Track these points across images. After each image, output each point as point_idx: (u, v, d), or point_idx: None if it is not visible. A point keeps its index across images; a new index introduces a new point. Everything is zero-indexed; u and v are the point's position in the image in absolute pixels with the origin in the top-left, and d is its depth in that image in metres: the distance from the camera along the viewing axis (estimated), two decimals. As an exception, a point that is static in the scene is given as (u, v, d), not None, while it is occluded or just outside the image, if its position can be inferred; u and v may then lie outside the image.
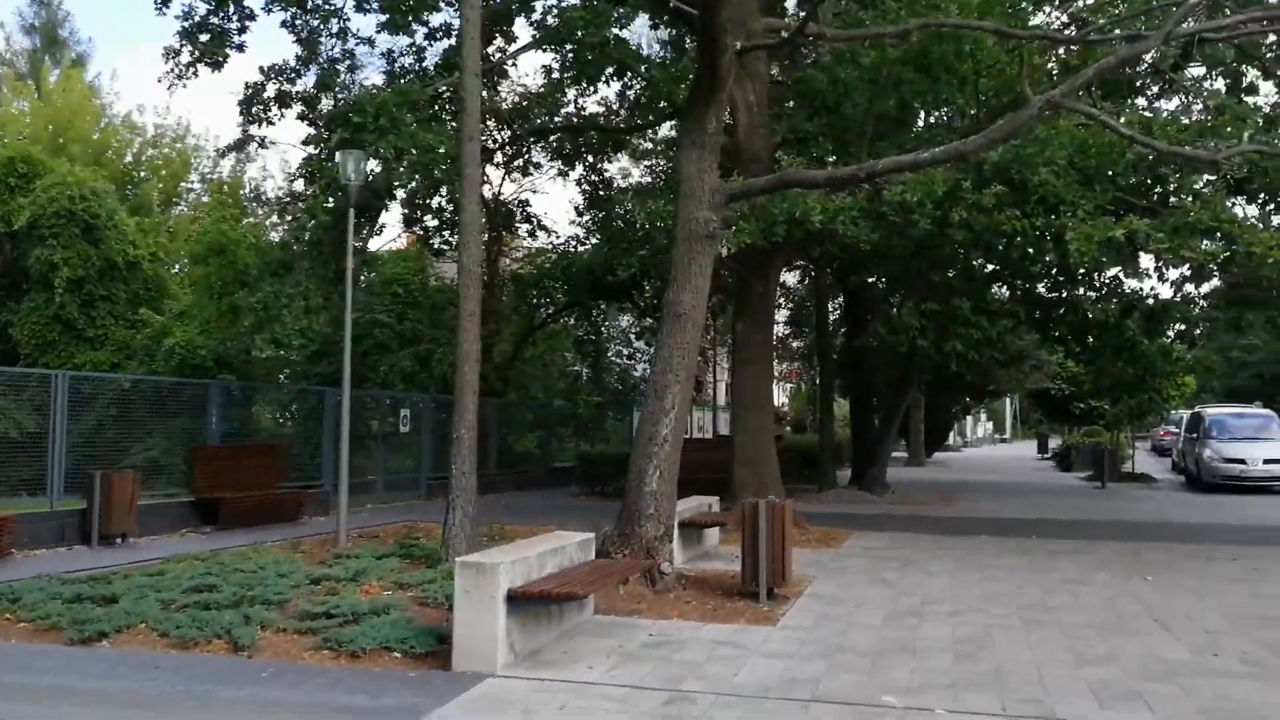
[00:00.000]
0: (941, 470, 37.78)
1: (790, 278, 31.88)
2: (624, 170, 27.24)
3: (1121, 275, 19.51)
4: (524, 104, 20.95)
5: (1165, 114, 16.44)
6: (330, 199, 15.59)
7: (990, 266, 18.48)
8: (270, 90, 16.55)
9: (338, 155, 14.08)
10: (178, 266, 31.39)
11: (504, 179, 27.18)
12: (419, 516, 18.45)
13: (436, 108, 16.58)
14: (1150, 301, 19.47)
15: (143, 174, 35.17)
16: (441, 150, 14.43)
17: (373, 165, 15.18)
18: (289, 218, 16.37)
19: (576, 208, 27.62)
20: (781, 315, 34.14)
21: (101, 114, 35.79)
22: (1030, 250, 14.60)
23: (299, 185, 16.13)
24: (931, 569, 12.73)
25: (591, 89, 21.20)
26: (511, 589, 7.58)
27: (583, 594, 7.52)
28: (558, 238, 28.91)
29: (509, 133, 21.85)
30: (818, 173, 12.26)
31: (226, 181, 35.30)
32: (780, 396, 59.53)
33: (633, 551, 10.72)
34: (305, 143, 15.79)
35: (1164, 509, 21.69)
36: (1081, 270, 16.39)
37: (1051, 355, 33.25)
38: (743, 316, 16.51)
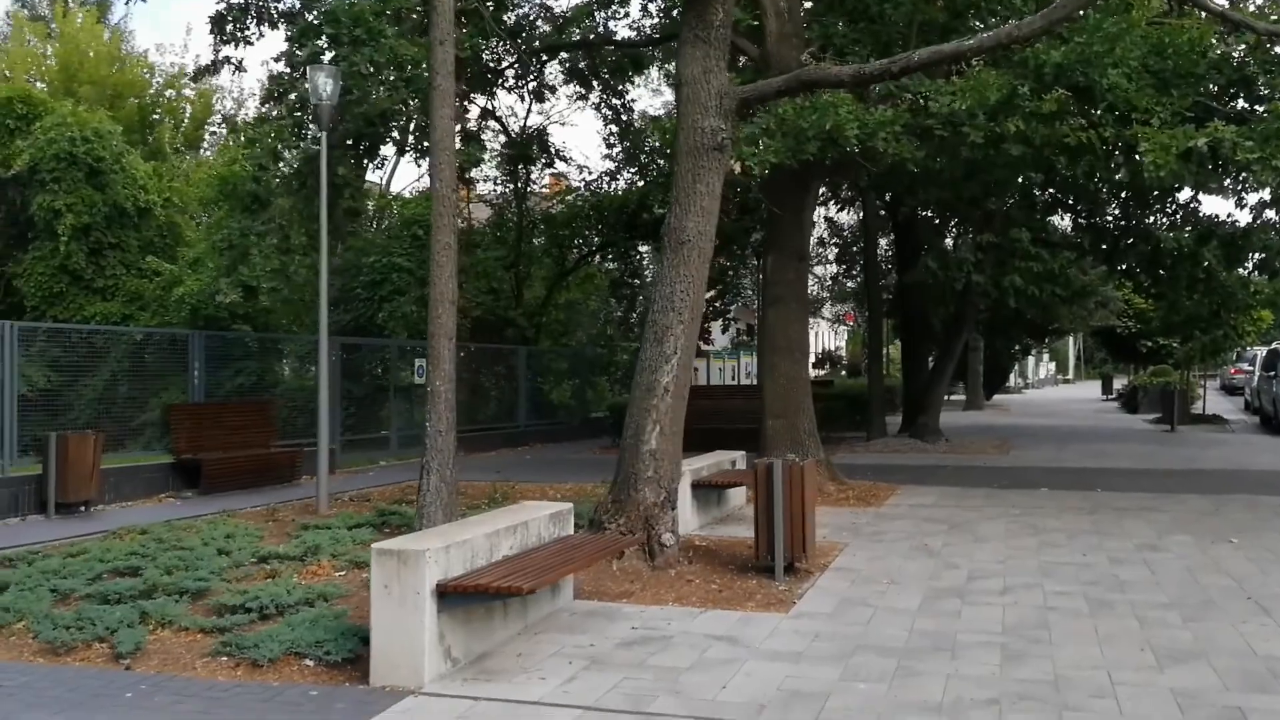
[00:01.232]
0: (1000, 414, 35.86)
1: (840, 214, 30.01)
2: (655, 90, 25.27)
3: (1199, 197, 17.57)
4: (531, 18, 19.16)
5: (1254, 8, 14.37)
6: (302, 124, 14.07)
7: (1051, 191, 16.55)
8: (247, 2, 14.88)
9: (308, 72, 12.54)
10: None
11: (528, 111, 25.54)
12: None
13: (425, 20, 14.88)
14: (1229, 228, 17.45)
15: (157, 116, 33.80)
16: (425, 67, 12.81)
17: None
18: (255, 145, 14.89)
19: (606, 139, 25.92)
20: (831, 254, 32.24)
21: (117, 54, 34.42)
22: (1097, 167, 12.73)
23: (275, 111, 14.57)
24: (981, 532, 11.09)
25: (621, 7, 19.36)
26: (442, 582, 6.09)
27: (528, 589, 6.01)
28: (589, 173, 27.27)
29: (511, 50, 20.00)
30: (842, 69, 10.49)
31: (249, 120, 33.93)
32: (835, 341, 57.61)
33: (628, 521, 9.20)
34: (276, 59, 14.22)
35: (1241, 454, 19.77)
36: (1155, 190, 14.45)
37: (1118, 290, 31.15)
38: (772, 249, 14.80)
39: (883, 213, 25.08)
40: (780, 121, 12.21)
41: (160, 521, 11.48)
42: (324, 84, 12.47)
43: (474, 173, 28.27)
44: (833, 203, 24.08)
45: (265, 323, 24.23)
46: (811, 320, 55.87)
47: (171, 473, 14.89)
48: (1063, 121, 12.00)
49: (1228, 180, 11.49)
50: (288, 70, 14.18)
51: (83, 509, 12.88)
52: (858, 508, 13.07)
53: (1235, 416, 31.04)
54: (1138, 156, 11.54)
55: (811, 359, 56.68)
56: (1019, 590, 8.35)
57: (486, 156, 19.14)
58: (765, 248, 15.32)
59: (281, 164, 14.82)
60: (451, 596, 6.13)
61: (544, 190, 28.22)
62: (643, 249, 28.04)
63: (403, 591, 6.03)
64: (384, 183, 30.37)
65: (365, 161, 15.64)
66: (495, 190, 28.17)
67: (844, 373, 47.84)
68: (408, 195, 29.44)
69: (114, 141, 25.75)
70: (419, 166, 21.83)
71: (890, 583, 8.69)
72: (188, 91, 34.87)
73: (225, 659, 6.51)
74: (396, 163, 26.07)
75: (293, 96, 13.73)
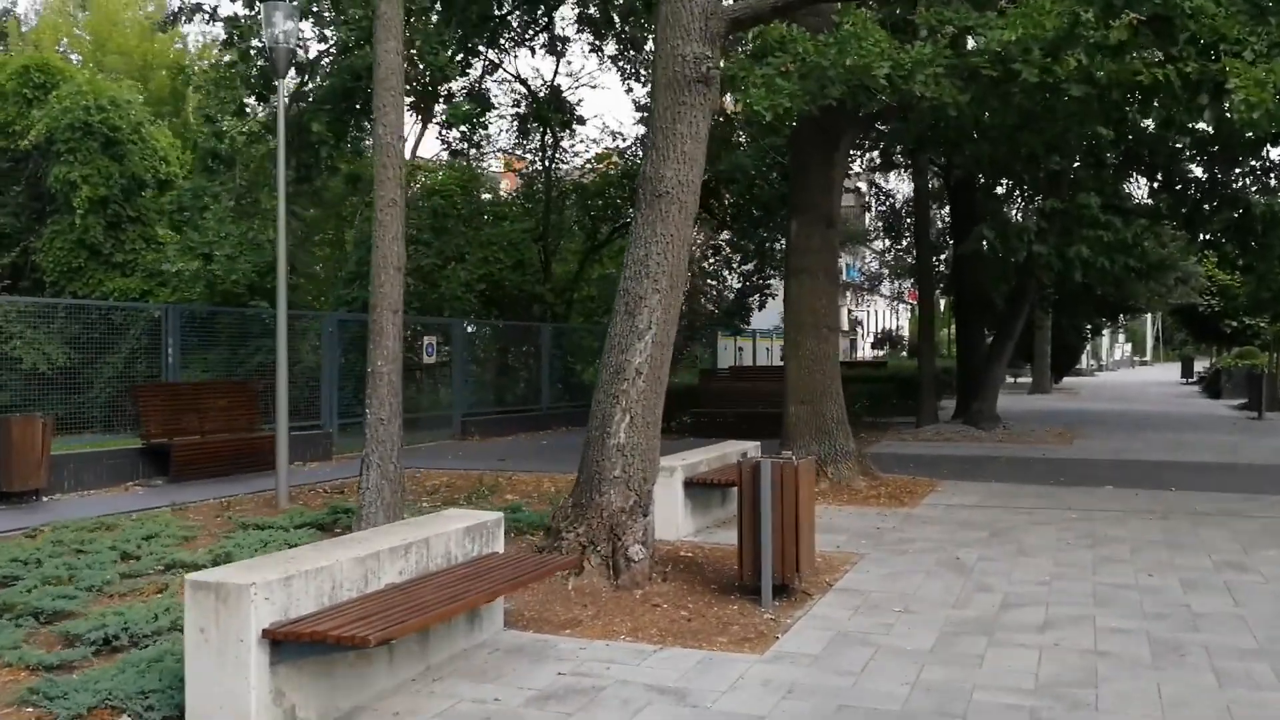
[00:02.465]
0: (1068, 398, 33.68)
1: (890, 179, 28.00)
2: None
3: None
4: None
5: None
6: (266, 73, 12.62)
7: (1122, 147, 14.58)
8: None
9: (263, 9, 11.09)
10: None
11: (555, 73, 23.94)
12: (428, 462, 15.69)
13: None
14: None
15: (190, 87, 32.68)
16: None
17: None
18: (211, 95, 13.46)
19: (636, 102, 24.26)
20: (876, 224, 30.12)
21: (148, 24, 33.36)
22: (1175, 112, 10.82)
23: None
24: (1027, 543, 9.35)
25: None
26: (273, 626, 4.58)
27: (375, 639, 4.46)
28: (621, 139, 25.64)
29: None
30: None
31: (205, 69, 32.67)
32: (896, 321, 55.45)
33: (589, 530, 7.64)
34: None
35: (1341, 447, 17.67)
36: (1247, 140, 12.43)
37: (1200, 265, 28.90)
38: (797, 213, 13.08)
39: (937, 178, 23.14)
40: (798, 60, 10.49)
41: (94, 517, 10.20)
42: (280, 22, 11.02)
43: (502, 139, 26.86)
44: (881, 166, 22.15)
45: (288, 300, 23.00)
46: (868, 298, 54.07)
47: (141, 459, 13.64)
48: (1135, 55, 10.12)
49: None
50: (247, 11, 12.74)
51: (33, 498, 11.69)
52: (888, 507, 11.38)
53: (1330, 402, 28.61)
54: (1226, 98, 9.64)
55: (870, 339, 54.83)
56: (1064, 625, 6.64)
57: (490, 116, 17.48)
58: (790, 212, 13.60)
59: (247, 120, 13.42)
60: (290, 644, 4.62)
61: (577, 158, 26.62)
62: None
63: (222, 638, 4.55)
64: (411, 151, 29.01)
65: (349, 120, 14.19)
66: (528, 159, 26.72)
67: (904, 354, 45.73)
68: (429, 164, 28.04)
69: (132, 111, 24.56)
70: (436, 133, 20.15)
71: (903, 610, 7.02)
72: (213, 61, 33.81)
73: (30, 710, 5.09)
74: (421, 132, 24.60)
75: (256, 42, 12.27)
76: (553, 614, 6.88)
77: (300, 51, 12.68)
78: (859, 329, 55.37)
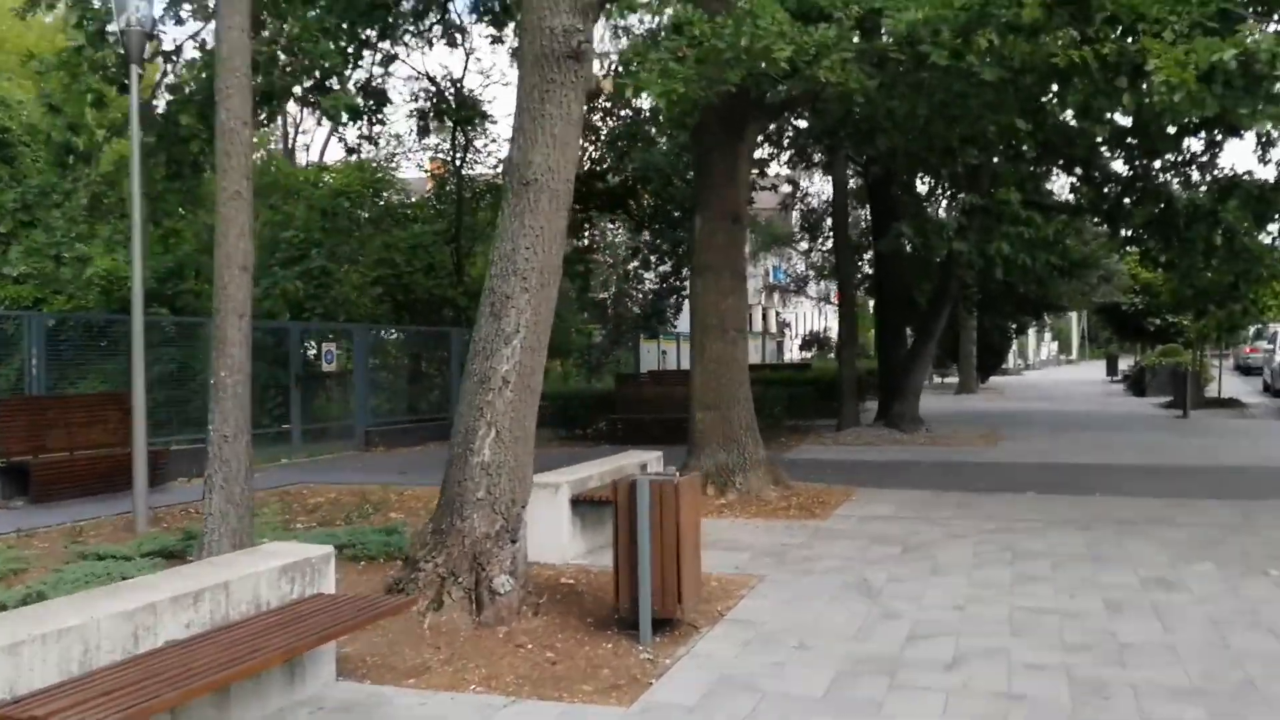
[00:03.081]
0: (994, 398, 33.36)
1: (809, 176, 27.35)
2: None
3: (1217, 145, 14.94)
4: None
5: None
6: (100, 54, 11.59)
7: (1040, 138, 13.96)
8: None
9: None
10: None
11: (464, 70, 23.05)
12: (321, 476, 14.73)
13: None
14: (1255, 183, 14.87)
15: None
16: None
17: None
18: (55, 80, 12.43)
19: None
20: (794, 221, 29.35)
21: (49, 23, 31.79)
22: (1094, 99, 10.20)
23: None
24: (943, 558, 8.64)
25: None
26: (-13, 708, 3.67)
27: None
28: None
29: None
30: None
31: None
32: (824, 322, 55.05)
33: (448, 560, 6.77)
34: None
35: (1267, 446, 17.27)
36: (1167, 126, 11.87)
37: (1122, 263, 28.69)
38: (702, 208, 12.32)
39: (858, 175, 22.56)
40: (694, 43, 9.74)
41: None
42: (131, 4, 10.01)
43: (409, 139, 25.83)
44: (793, 161, 21.45)
45: (188, 306, 21.86)
46: (795, 299, 53.57)
47: (4, 479, 12.56)
48: (1050, 36, 9.49)
49: (1264, 106, 8.97)
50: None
51: None
52: (798, 519, 10.63)
53: (1254, 399, 28.51)
54: (1145, 80, 9.04)
55: (798, 341, 54.35)
56: (975, 660, 5.91)
57: (399, 116, 16.51)
58: (695, 207, 12.84)
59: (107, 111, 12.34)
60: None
61: (491, 157, 25.68)
62: (598, 220, 25.61)
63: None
64: (319, 153, 27.92)
65: (264, 114, 13.19)
66: (440, 160, 25.77)
67: (832, 355, 45.29)
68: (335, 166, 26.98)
69: (23, 113, 23.22)
70: (327, 126, 19.00)
71: (799, 646, 6.25)
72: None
73: None
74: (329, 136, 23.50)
75: (112, 27, 11.23)
76: (399, 659, 6.01)
77: (162, 37, 11.70)
78: (787, 331, 54.97)
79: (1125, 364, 44.19)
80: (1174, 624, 6.58)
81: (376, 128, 18.19)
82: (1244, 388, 33.92)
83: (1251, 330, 34.43)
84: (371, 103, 15.32)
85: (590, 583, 7.83)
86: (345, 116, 12.61)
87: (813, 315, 57.65)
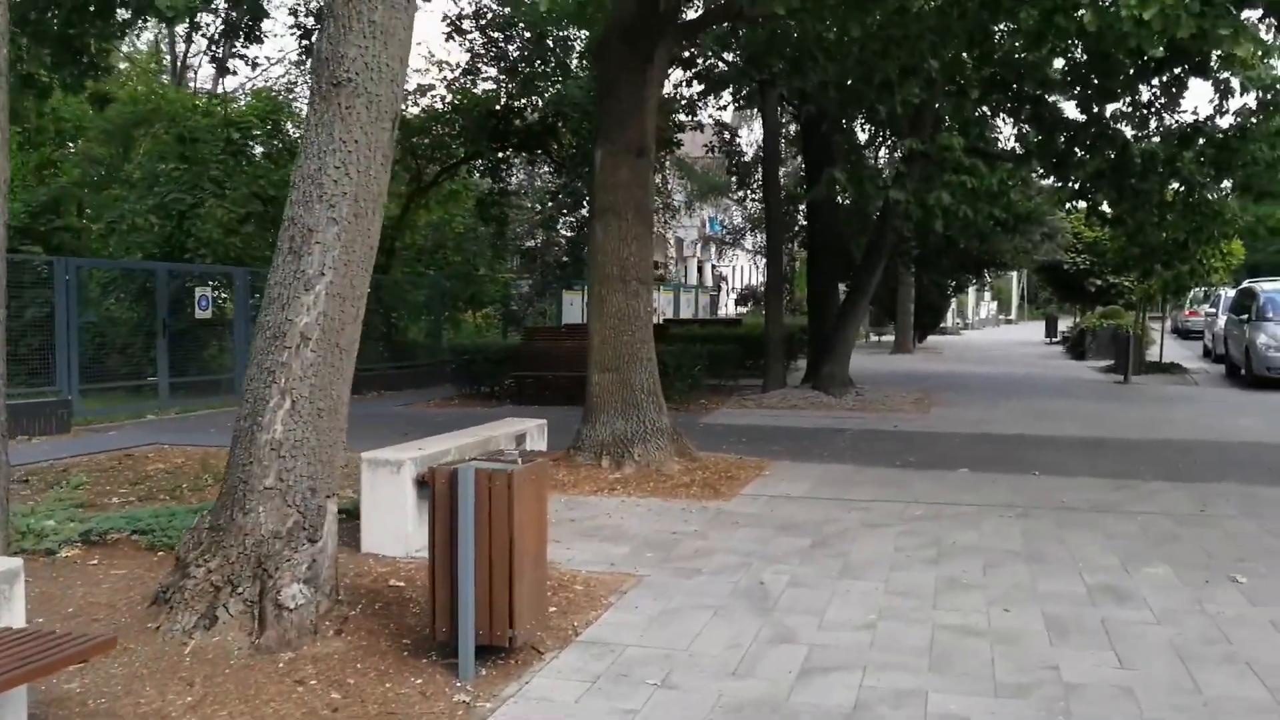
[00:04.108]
0: (930, 359, 32.27)
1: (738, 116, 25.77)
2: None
3: (1175, 90, 13.67)
4: None
5: None
6: None
7: (985, 70, 12.61)
8: None
9: None
10: None
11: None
12: (180, 436, 13.16)
13: None
14: (1221, 130, 13.62)
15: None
16: None
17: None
18: None
19: (462, 30, 21.62)
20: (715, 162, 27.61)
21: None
22: (1051, 16, 8.81)
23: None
24: (856, 556, 7.31)
25: None
26: None
27: None
28: (449, 69, 23.01)
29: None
30: None
31: None
32: (760, 277, 53.72)
33: (224, 565, 5.31)
34: None
35: (1215, 416, 16.18)
36: (1132, 58, 10.49)
37: (1068, 216, 27.59)
38: (603, 140, 10.81)
39: (794, 119, 21.10)
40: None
41: None
42: None
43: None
44: (706, 88, 19.90)
45: (63, 245, 20.02)
46: (732, 252, 52.09)
47: None
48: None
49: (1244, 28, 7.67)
50: None
51: None
52: (699, 499, 9.27)
53: (1195, 364, 27.60)
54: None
55: (732, 295, 53.01)
56: (882, 707, 4.58)
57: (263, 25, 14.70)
58: (595, 139, 11.33)
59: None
60: None
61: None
62: (515, 161, 23.97)
63: None
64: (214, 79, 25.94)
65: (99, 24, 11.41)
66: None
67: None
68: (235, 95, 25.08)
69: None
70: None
71: (662, 683, 4.88)
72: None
73: None
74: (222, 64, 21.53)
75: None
76: (133, 700, 4.56)
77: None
78: (723, 285, 53.64)
79: (1065, 325, 43.36)
80: (1130, 654, 5.29)
81: (253, 48, 16.35)
82: (1183, 352, 33.10)
83: (1201, 292, 33.53)
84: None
85: (426, 585, 6.40)
86: (170, 13, 10.87)
87: (749, 269, 56.32)
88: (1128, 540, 7.76)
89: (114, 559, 6.84)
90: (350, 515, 7.40)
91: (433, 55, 20.93)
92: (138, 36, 29.25)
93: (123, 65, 27.43)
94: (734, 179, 25.25)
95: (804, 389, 18.51)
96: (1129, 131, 14.83)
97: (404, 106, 23.77)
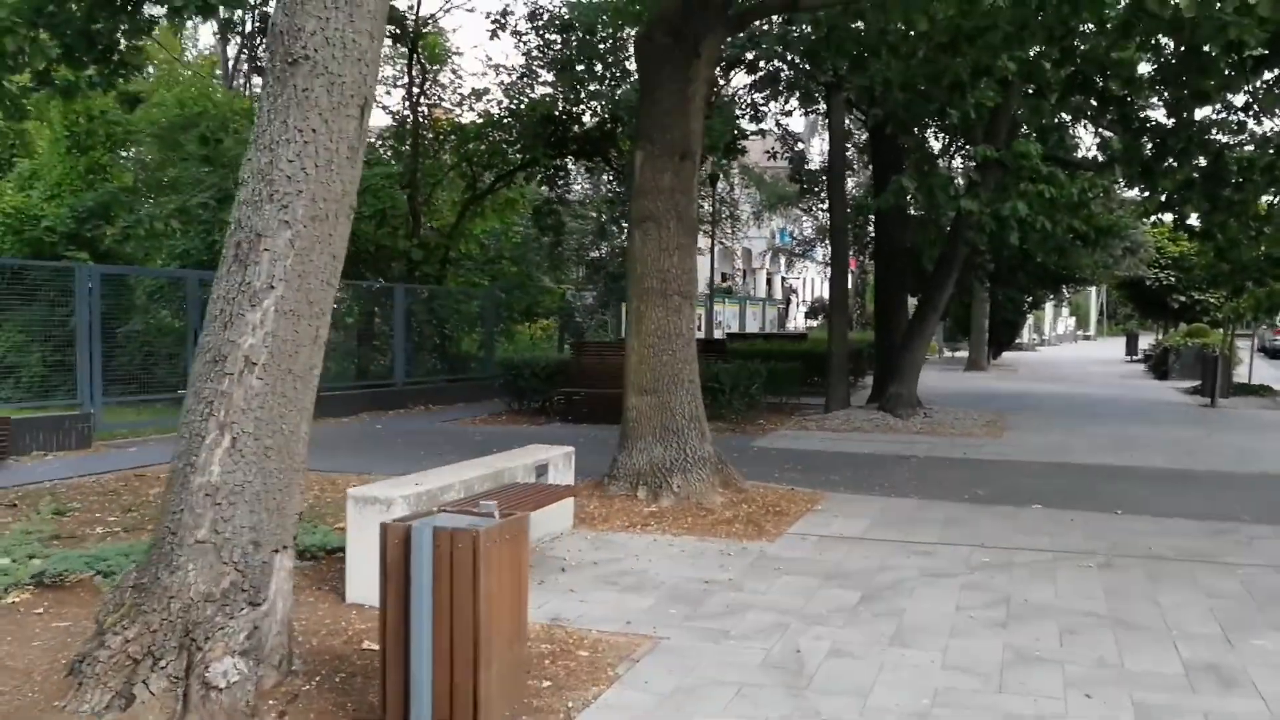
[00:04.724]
0: (1005, 377, 30.94)
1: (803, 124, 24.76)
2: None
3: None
4: None
5: None
6: None
7: (1066, 68, 11.51)
8: None
9: None
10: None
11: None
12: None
13: None
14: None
15: None
16: None
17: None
18: None
19: (507, 27, 20.91)
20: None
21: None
22: (1138, 6, 7.79)
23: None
24: (912, 617, 6.34)
25: None
26: None
27: None
28: (506, 74, 22.35)
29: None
30: None
31: None
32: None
33: (147, 632, 4.50)
34: None
35: (1316, 445, 14.88)
36: (1233, 52, 9.34)
37: (1152, 230, 26.17)
38: (644, 141, 9.95)
39: (859, 123, 20.08)
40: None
41: None
42: None
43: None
44: (766, 88, 18.91)
45: (112, 252, 19.65)
46: (800, 264, 50.89)
47: None
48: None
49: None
50: None
51: None
52: (740, 539, 8.34)
53: (1284, 386, 26.02)
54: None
55: (803, 308, 51.75)
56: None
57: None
58: (635, 142, 10.46)
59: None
60: None
61: (457, 94, 23.25)
62: (572, 167, 23.20)
63: None
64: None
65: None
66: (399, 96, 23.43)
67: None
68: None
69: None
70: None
71: (659, 795, 3.98)
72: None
73: None
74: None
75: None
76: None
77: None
78: (793, 297, 52.49)
79: (1146, 343, 41.60)
80: (1246, 767, 4.28)
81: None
82: (1272, 373, 31.38)
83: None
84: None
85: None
86: (193, 9, 10.20)
87: (820, 281, 55.11)
88: (1229, 601, 6.69)
89: (65, 606, 6.09)
90: (333, 557, 6.62)
91: (490, 59, 20.36)
92: (196, 39, 29.03)
93: (187, 72, 27.17)
94: (799, 187, 24.16)
95: (869, 409, 17.47)
96: (1223, 138, 13.60)
97: (458, 111, 23.29)
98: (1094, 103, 14.01)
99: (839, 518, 9.22)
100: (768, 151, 24.31)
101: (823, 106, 19.72)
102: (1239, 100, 13.19)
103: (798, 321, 49.22)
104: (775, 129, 22.09)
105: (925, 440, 14.79)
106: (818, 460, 12.70)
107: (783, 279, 53.05)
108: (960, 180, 15.58)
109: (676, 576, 7.17)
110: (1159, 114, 14.15)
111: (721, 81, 19.92)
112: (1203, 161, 13.43)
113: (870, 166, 22.77)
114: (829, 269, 48.20)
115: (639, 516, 9.04)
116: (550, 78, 21.51)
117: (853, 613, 6.38)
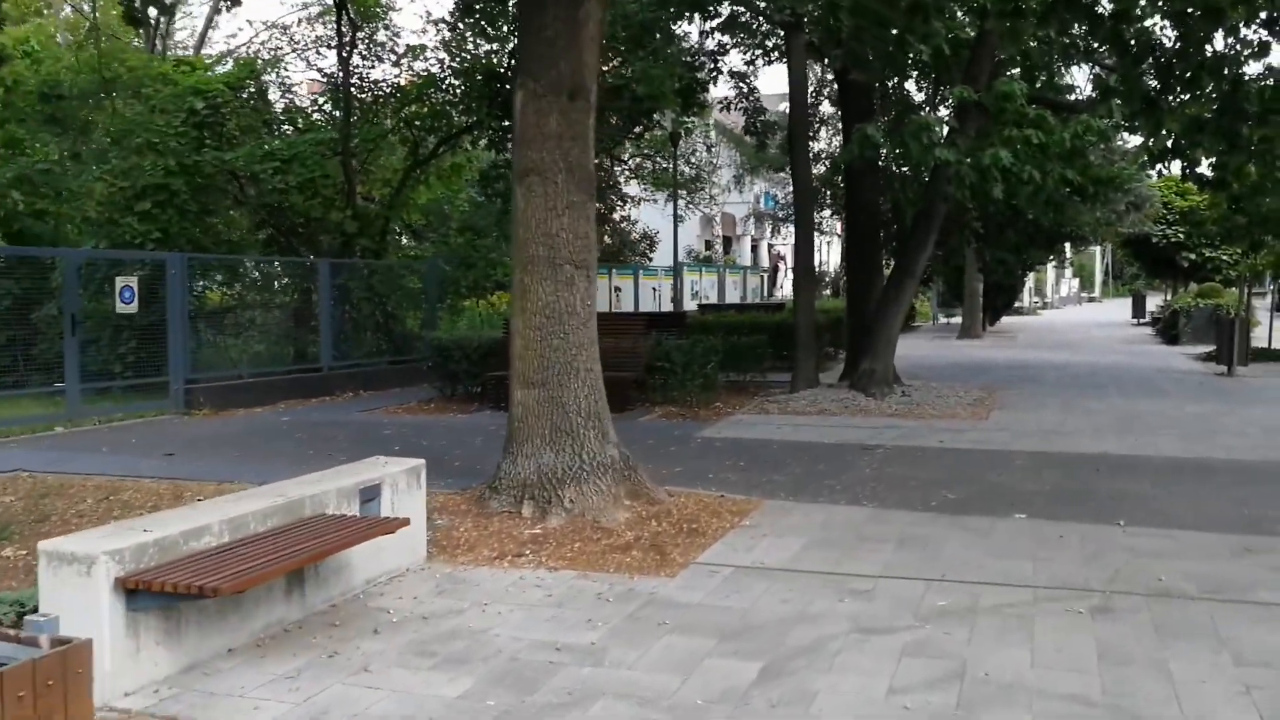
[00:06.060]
0: (1001, 344, 29.00)
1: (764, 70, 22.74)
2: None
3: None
4: None
5: None
6: None
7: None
8: None
9: None
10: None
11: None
12: (67, 458, 10.71)
13: None
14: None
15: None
16: None
17: None
18: None
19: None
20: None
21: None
22: None
23: None
24: (823, 702, 4.50)
25: None
26: None
27: None
28: (443, 30, 20.40)
29: None
30: None
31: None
32: (825, 255, 50.45)
33: None
34: None
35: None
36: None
37: (1158, 183, 24.19)
38: (524, 77, 8.04)
39: (822, 65, 18.10)
40: None
41: None
42: None
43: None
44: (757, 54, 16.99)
45: (29, 229, 17.85)
46: (787, 230, 48.56)
47: None
48: None
49: None
50: None
51: None
52: (632, 575, 6.50)
53: (1303, 349, 24.08)
54: None
55: (790, 275, 49.48)
56: None
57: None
58: (514, 78, 8.55)
59: None
60: None
61: (392, 54, 21.29)
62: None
63: None
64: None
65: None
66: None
67: (828, 293, 41.01)
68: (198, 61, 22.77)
69: None
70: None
71: None
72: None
73: None
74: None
75: None
76: None
77: None
78: (781, 264, 50.43)
79: (1154, 304, 39.61)
80: None
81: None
82: (1287, 334, 29.43)
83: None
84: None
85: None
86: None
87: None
88: (1272, 673, 4.83)
89: None
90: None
91: (429, 14, 18.62)
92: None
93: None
94: (754, 136, 21.93)
95: (839, 388, 15.62)
96: (1241, 62, 11.60)
97: (397, 72, 21.37)
98: (1085, 26, 12.01)
99: (767, 537, 7.37)
100: (719, 102, 22.21)
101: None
102: (1262, 15, 11.12)
103: (786, 290, 47.19)
104: (728, 77, 19.95)
105: (898, 425, 12.91)
106: (765, 453, 10.85)
107: (769, 245, 51.05)
108: (937, 128, 13.65)
109: (523, 640, 5.33)
110: (1165, 36, 12.15)
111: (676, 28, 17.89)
112: (1215, 96, 11.44)
113: (841, 120, 20.78)
114: (819, 234, 46.15)
115: (515, 542, 7.21)
116: (492, 31, 19.56)
117: (742, 701, 4.54)
